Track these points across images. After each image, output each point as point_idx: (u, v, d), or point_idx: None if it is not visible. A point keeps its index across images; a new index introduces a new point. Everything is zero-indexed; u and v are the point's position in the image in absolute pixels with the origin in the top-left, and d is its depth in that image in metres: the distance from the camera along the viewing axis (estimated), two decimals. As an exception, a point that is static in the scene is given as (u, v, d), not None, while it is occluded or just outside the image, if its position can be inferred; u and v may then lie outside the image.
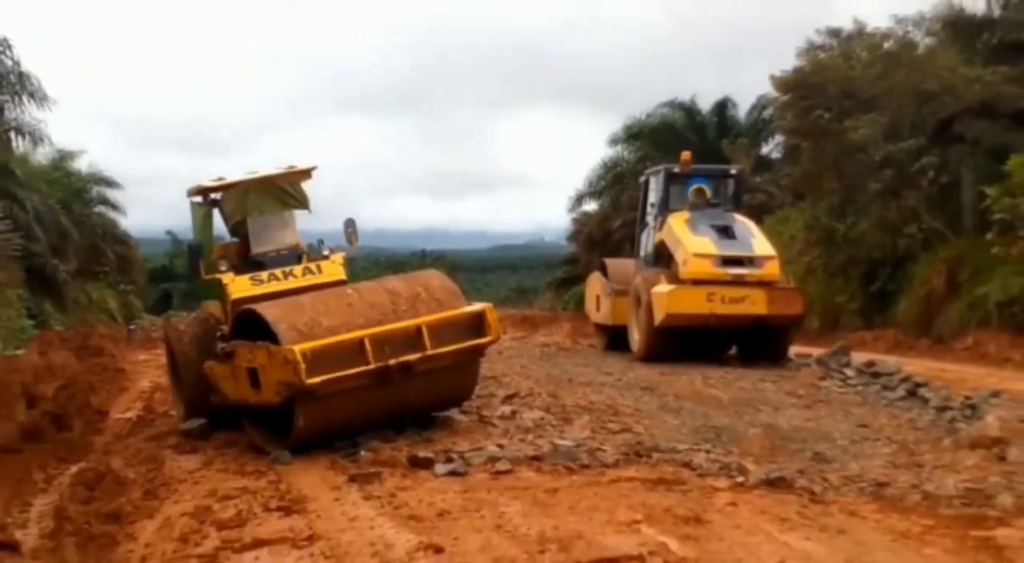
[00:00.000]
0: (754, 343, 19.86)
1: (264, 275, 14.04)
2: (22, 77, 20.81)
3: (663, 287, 19.58)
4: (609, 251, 36.48)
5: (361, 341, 11.75)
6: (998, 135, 25.18)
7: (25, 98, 23.36)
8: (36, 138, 26.34)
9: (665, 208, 21.38)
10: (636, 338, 20.62)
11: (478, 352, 12.96)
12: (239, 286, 13.82)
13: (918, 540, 8.70)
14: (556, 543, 8.58)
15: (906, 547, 8.51)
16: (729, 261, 19.63)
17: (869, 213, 27.82)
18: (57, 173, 34.14)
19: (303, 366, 11.26)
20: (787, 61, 30.22)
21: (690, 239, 19.89)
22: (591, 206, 43.67)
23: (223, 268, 14.13)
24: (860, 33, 29.22)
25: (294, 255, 14.77)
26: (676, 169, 21.93)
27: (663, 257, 20.97)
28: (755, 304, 19.19)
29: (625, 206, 38.30)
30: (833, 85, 27.72)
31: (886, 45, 28.40)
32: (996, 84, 25.49)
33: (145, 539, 9.61)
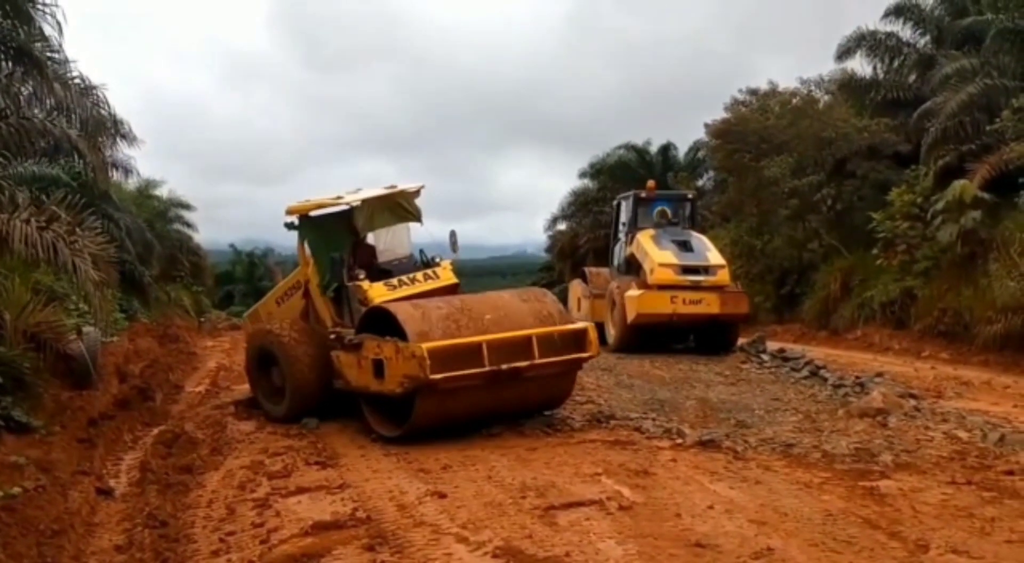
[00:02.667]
0: (708, 336, 19.64)
1: (395, 281, 13.12)
2: (116, 122, 20.63)
3: (634, 291, 19.48)
4: (577, 261, 36.56)
5: (480, 345, 10.81)
6: (882, 172, 25.20)
7: (119, 139, 23.21)
8: (127, 170, 26.28)
9: (634, 226, 21.19)
10: (611, 333, 20.42)
11: (578, 364, 11.93)
12: (377, 292, 12.75)
13: (818, 489, 8.70)
14: (534, 490, 8.61)
15: (808, 494, 8.51)
16: (688, 269, 19.45)
17: (780, 232, 27.81)
18: (143, 198, 33.98)
19: (428, 362, 10.44)
20: (716, 112, 30.18)
21: (656, 252, 19.72)
22: (563, 226, 43.57)
23: (361, 276, 12.96)
24: (773, 92, 29.17)
25: (411, 262, 13.90)
26: (643, 194, 21.76)
27: (633, 267, 20.70)
28: (710, 305, 19.05)
29: (589, 226, 38.32)
30: (752, 132, 27.66)
31: (794, 101, 28.34)
32: (880, 132, 25.49)
33: (212, 486, 9.61)
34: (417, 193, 13.84)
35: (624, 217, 22.06)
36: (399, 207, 13.63)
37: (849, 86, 27.80)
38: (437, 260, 13.85)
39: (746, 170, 28.00)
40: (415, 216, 13.85)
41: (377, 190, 13.58)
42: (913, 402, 12.84)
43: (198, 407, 14.91)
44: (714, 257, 19.93)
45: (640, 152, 40.84)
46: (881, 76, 27.48)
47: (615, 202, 23.18)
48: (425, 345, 10.56)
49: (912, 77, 26.89)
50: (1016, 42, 22.79)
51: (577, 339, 11.61)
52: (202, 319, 35.55)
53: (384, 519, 7.98)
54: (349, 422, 12.29)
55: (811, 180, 26.50)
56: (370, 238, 13.92)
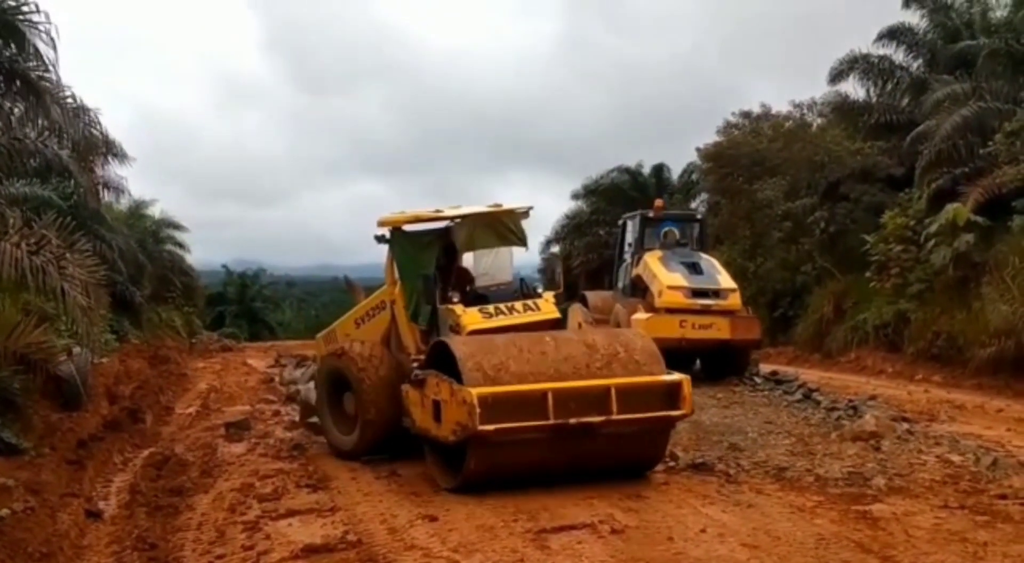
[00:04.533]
0: (717, 362, 18.84)
1: (491, 308, 11.65)
2: (108, 142, 20.66)
3: (641, 315, 18.59)
4: (570, 284, 36.43)
5: (544, 394, 9.27)
6: (874, 195, 25.33)
7: (110, 158, 23.23)
8: (119, 190, 26.34)
9: (641, 247, 20.40)
10: None
11: (668, 423, 10.09)
12: (472, 319, 11.34)
13: (811, 513, 8.70)
14: (526, 513, 8.60)
15: (801, 518, 8.51)
16: (698, 293, 18.70)
17: (774, 255, 27.90)
18: (135, 218, 33.99)
19: (478, 411, 9.00)
20: (709, 134, 30.36)
21: (664, 274, 18.93)
22: (556, 248, 43.61)
23: (455, 300, 11.61)
24: (766, 115, 29.37)
25: (511, 290, 12.37)
26: (651, 214, 21.06)
27: (639, 289, 19.89)
28: (720, 330, 18.31)
29: (583, 249, 38.30)
30: (745, 156, 27.84)
31: (787, 124, 28.54)
32: (873, 155, 25.66)
33: (201, 509, 9.59)
34: (525, 214, 12.71)
35: (630, 237, 21.41)
36: (503, 228, 12.32)
37: (842, 109, 27.98)
38: (539, 289, 12.51)
39: (739, 193, 28.15)
40: (520, 239, 12.54)
41: (480, 207, 12.47)
42: (906, 426, 12.84)
43: (188, 429, 14.89)
44: (725, 280, 19.25)
45: (633, 174, 40.92)
46: (874, 99, 27.65)
47: (620, 222, 22.50)
48: (475, 391, 9.14)
49: (905, 100, 27.03)
50: (1008, 65, 22.95)
51: (669, 394, 9.88)
52: (193, 340, 35.50)
53: (375, 542, 7.96)
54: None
55: (804, 203, 26.66)
56: (467, 260, 12.63)
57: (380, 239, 12.44)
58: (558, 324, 11.84)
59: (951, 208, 20.68)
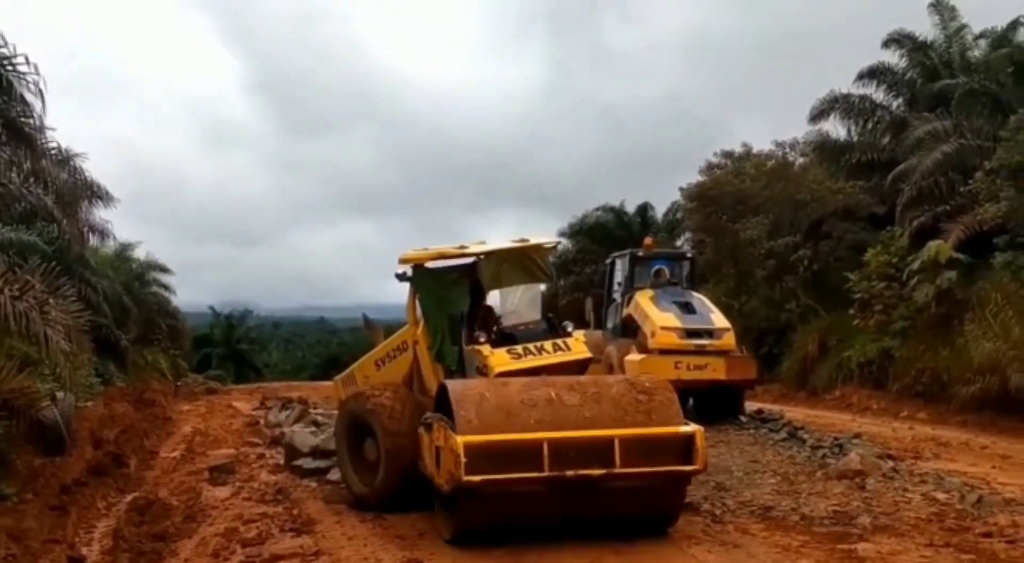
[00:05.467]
0: (712, 403, 18.08)
1: (520, 349, 11.11)
2: (91, 185, 20.71)
3: (635, 356, 18.03)
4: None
5: (540, 444, 8.50)
6: (857, 233, 25.51)
7: (95, 202, 23.30)
8: (103, 234, 26.39)
9: (631, 286, 19.97)
10: None
11: (680, 480, 9.12)
12: (499, 360, 10.84)
13: (796, 552, 8.69)
14: (511, 556, 8.55)
15: (787, 558, 8.50)
16: (692, 333, 18.15)
17: (758, 293, 27.96)
18: (120, 261, 33.96)
19: (463, 460, 8.37)
20: (693, 172, 30.51)
21: (656, 314, 18.43)
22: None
23: (482, 340, 11.16)
24: (748, 154, 29.55)
25: (540, 329, 11.80)
26: (640, 253, 20.71)
27: (631, 329, 19.35)
28: (715, 370, 17.79)
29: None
30: (728, 195, 27.96)
31: (769, 163, 28.71)
32: (855, 194, 25.83)
33: (185, 555, 9.53)
34: (553, 249, 12.45)
35: (619, 276, 20.98)
36: (531, 263, 11.86)
37: (823, 148, 28.25)
38: (569, 328, 11.89)
39: (723, 232, 28.24)
40: (547, 275, 12.24)
41: (506, 242, 11.98)
42: (891, 463, 12.85)
43: (173, 473, 14.81)
44: (718, 319, 18.76)
45: (618, 213, 41.18)
46: (855, 138, 27.92)
47: (608, 261, 21.96)
48: (462, 439, 8.49)
49: (886, 139, 27.30)
50: (986, 104, 23.20)
51: (679, 447, 8.94)
52: (179, 383, 35.39)
53: (360, 587, 7.91)
54: (324, 485, 12.15)
55: (787, 241, 26.79)
56: (492, 298, 12.15)
57: (401, 277, 12.05)
58: (587, 365, 11.28)
59: (933, 245, 20.83)
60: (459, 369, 11.32)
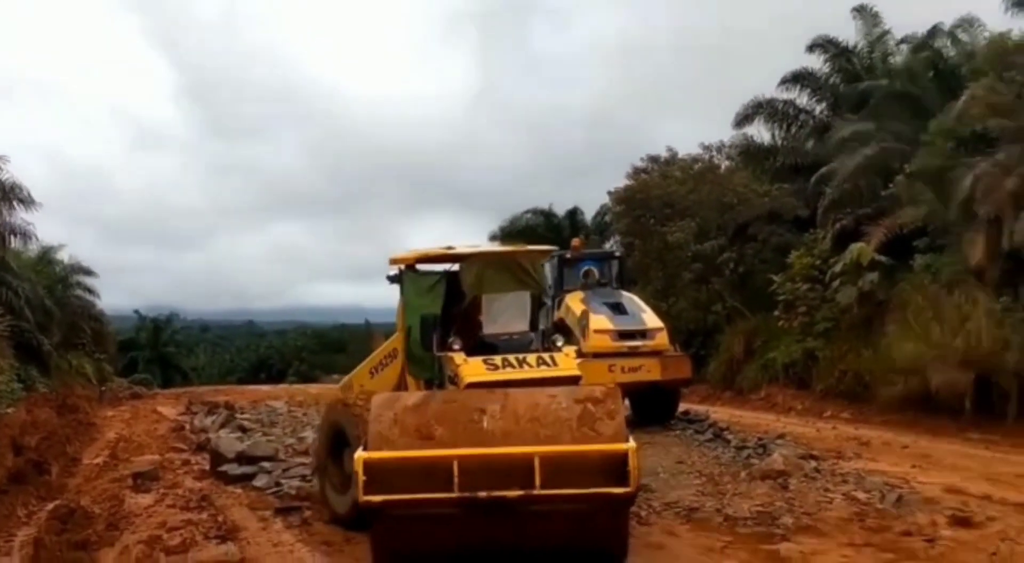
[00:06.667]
0: (647, 404, 18.02)
1: (498, 360, 10.52)
2: (13, 188, 20.31)
3: None
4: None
5: (450, 462, 7.58)
6: (782, 235, 25.74)
7: (16, 204, 22.87)
8: (26, 237, 25.90)
9: (560, 288, 19.57)
10: None
11: (615, 505, 7.86)
12: (472, 370, 10.27)
13: (720, 553, 8.75)
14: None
15: (711, 559, 8.56)
16: (625, 334, 17.82)
17: (685, 295, 28.09)
18: (43, 264, 33.33)
19: (362, 479, 7.59)
20: (621, 178, 30.55)
21: (588, 316, 18.08)
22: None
23: (456, 347, 10.64)
24: (674, 158, 29.68)
25: (526, 341, 11.25)
26: (568, 254, 20.31)
27: (562, 332, 19.01)
28: (650, 371, 17.45)
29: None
30: (655, 198, 28.05)
31: (696, 167, 28.90)
32: (779, 197, 26.06)
33: (106, 563, 9.34)
34: (545, 255, 11.81)
35: (548, 279, 19.65)
36: (519, 270, 11.32)
37: (748, 152, 28.54)
38: (559, 343, 11.36)
39: (650, 234, 28.34)
40: (536, 284, 11.57)
41: (496, 246, 11.50)
42: (814, 463, 12.99)
43: (95, 480, 14.52)
44: (650, 319, 18.42)
45: (548, 216, 41.25)
46: (779, 142, 28.22)
47: None
48: (362, 456, 7.75)
49: (810, 143, 27.62)
50: (905, 108, 23.59)
51: (611, 466, 7.74)
52: (104, 387, 34.75)
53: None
54: (250, 490, 12.01)
55: (714, 244, 26.98)
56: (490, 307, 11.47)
57: (392, 280, 11.72)
58: (576, 382, 10.13)
59: (855, 248, 21.12)
60: (437, 378, 10.82)
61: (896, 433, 16.95)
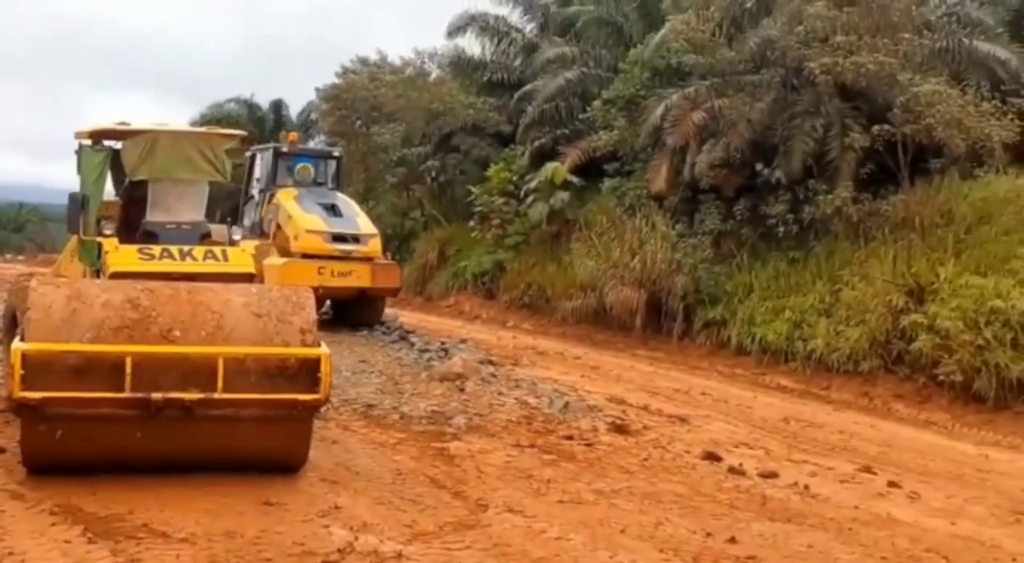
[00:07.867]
0: (353, 310, 17.67)
1: (156, 250, 9.55)
2: None
3: (276, 260, 16.41)
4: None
5: (123, 359, 6.92)
6: (483, 149, 26.15)
7: None
8: None
9: (272, 183, 18.72)
10: None
11: (301, 411, 7.54)
12: (122, 258, 9.32)
13: (392, 449, 8.95)
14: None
15: (383, 454, 8.74)
16: (337, 238, 17.17)
17: (386, 200, 28.16)
18: None
19: (20, 373, 6.79)
20: (330, 75, 30.04)
21: (301, 216, 17.33)
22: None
23: (107, 232, 9.66)
24: (384, 61, 29.45)
25: (196, 233, 10.22)
26: (284, 148, 19.47)
27: (269, 229, 18.08)
28: (360, 278, 17.02)
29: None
30: (363, 100, 27.81)
31: (407, 71, 28.81)
32: (484, 111, 26.37)
33: None
34: (232, 139, 10.78)
35: (259, 172, 19.63)
36: (197, 155, 10.22)
37: (458, 63, 28.66)
38: (236, 237, 10.54)
39: (356, 136, 28.16)
40: (219, 171, 10.44)
41: (180, 126, 10.39)
42: (491, 368, 13.45)
43: None
44: (364, 225, 17.95)
45: (251, 107, 40.10)
46: (489, 57, 28.49)
47: (249, 154, 20.27)
48: (20, 347, 6.93)
49: (518, 61, 28.01)
50: (608, 34, 24.38)
51: (302, 372, 7.46)
52: None
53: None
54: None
55: (419, 151, 27.12)
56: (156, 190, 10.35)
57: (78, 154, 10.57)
58: (250, 280, 9.44)
59: (550, 167, 21.82)
60: (98, 265, 9.86)
61: (571, 345, 17.80)
